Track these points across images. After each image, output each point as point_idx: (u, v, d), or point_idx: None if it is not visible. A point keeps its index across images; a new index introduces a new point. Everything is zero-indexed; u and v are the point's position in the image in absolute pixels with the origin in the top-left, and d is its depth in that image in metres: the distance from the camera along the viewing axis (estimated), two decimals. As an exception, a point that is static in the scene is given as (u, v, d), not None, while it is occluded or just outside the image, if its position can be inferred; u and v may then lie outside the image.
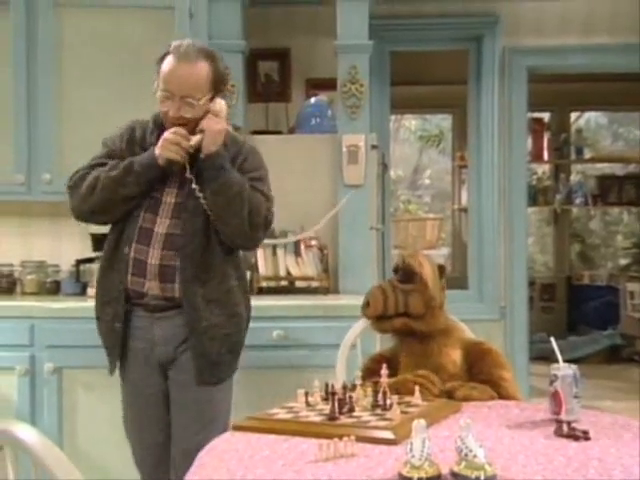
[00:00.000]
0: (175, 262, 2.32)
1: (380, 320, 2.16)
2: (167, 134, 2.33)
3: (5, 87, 3.50)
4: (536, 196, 6.98)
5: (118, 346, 2.37)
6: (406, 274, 2.15)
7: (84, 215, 2.47)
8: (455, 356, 2.10)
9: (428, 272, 2.13)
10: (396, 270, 2.19)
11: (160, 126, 2.41)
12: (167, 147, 2.32)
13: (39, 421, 3.19)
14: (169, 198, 2.37)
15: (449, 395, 1.99)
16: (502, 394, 2.05)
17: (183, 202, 2.36)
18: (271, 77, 4.30)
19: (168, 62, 2.35)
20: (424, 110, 7.81)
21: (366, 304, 2.17)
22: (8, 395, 3.20)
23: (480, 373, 2.07)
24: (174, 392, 2.39)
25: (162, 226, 2.34)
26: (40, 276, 3.70)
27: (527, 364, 4.40)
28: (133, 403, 2.44)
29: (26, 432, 1.18)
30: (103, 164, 2.44)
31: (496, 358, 2.11)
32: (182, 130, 2.33)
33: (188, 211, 2.34)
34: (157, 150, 2.34)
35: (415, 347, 2.12)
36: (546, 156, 6.99)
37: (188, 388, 2.36)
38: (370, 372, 2.01)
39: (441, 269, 2.20)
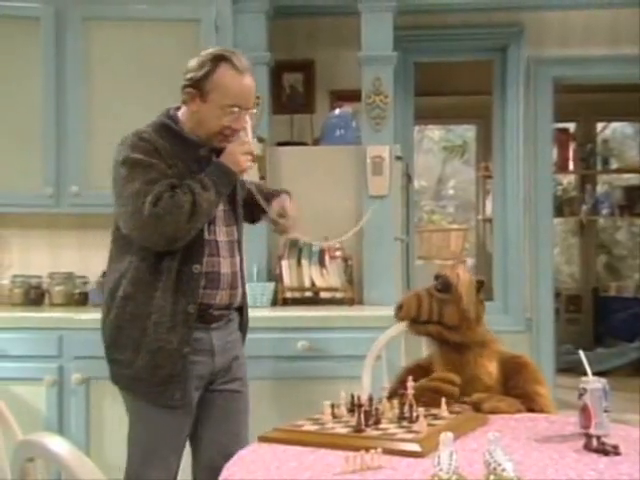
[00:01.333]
0: (236, 268, 2.31)
1: (414, 323, 2.17)
2: (239, 147, 2.22)
3: (35, 100, 3.56)
4: (562, 207, 6.92)
5: (184, 371, 2.17)
6: (444, 284, 2.16)
7: (182, 240, 2.14)
8: (491, 368, 2.09)
9: (464, 285, 2.14)
10: (436, 278, 2.20)
11: (181, 137, 2.24)
12: (244, 161, 2.22)
13: (67, 431, 3.22)
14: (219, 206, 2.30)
15: (476, 407, 1.97)
16: (536, 409, 2.03)
17: (231, 209, 2.33)
18: (296, 89, 4.32)
19: (231, 75, 2.19)
20: (448, 120, 7.79)
21: (399, 307, 2.19)
22: (36, 406, 3.23)
23: (515, 387, 2.06)
24: (222, 401, 2.30)
25: (222, 235, 2.28)
26: (68, 287, 3.74)
27: (553, 376, 4.36)
28: (167, 428, 2.21)
29: (58, 444, 1.19)
30: (166, 184, 2.19)
31: (532, 373, 2.10)
32: (246, 138, 2.26)
33: (236, 217, 2.36)
34: (235, 166, 2.21)
35: (451, 357, 2.12)
36: (572, 166, 6.94)
37: (240, 396, 2.36)
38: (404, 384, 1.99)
39: (479, 283, 2.20)
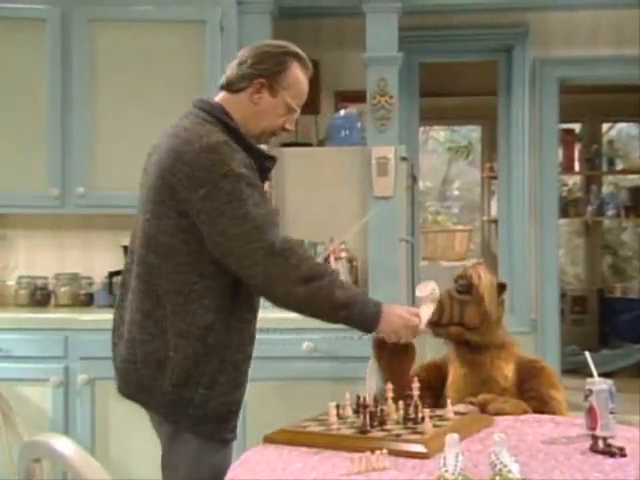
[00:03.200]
0: None
1: (436, 326, 2.16)
2: (410, 323, 2.00)
3: (40, 101, 3.57)
4: (567, 208, 6.90)
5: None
6: (465, 285, 2.15)
7: (277, 295, 1.92)
8: (507, 371, 2.09)
9: (486, 286, 2.13)
10: (457, 280, 2.19)
11: (248, 144, 2.01)
12: (403, 334, 2.00)
13: (72, 432, 3.22)
14: None
15: (481, 408, 1.97)
16: (549, 413, 2.02)
17: None
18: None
19: (302, 75, 2.09)
20: (453, 121, 7.78)
21: None
22: (42, 406, 3.24)
23: (530, 390, 2.06)
24: None
25: None
26: (73, 288, 3.75)
27: (559, 377, 4.35)
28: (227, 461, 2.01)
29: (63, 444, 1.19)
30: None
31: (548, 377, 2.10)
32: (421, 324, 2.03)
33: None
34: (386, 327, 1.98)
35: (468, 357, 2.11)
36: (577, 167, 6.92)
37: None
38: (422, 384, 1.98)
39: (501, 286, 2.19)
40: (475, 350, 2.11)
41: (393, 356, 2.08)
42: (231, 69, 2.09)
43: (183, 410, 1.93)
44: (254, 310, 2.06)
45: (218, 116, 2.00)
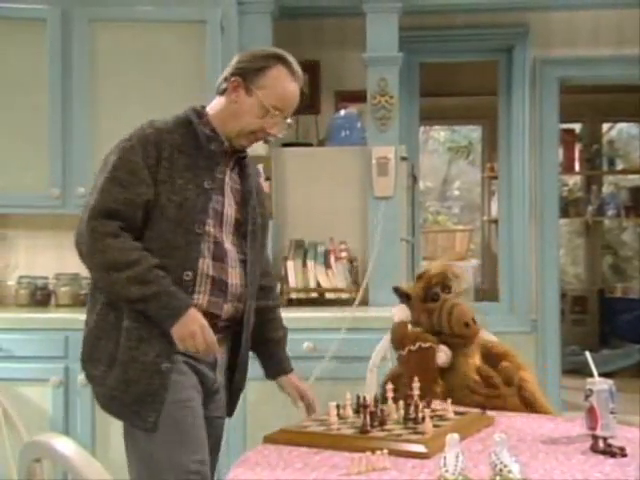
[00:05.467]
0: (245, 282, 2.07)
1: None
2: (200, 331, 1.90)
3: (41, 101, 3.57)
4: (567, 207, 6.90)
5: (162, 389, 1.92)
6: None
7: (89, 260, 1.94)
8: (477, 362, 2.10)
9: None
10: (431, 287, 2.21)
11: (195, 130, 2.04)
12: (189, 342, 1.90)
13: (72, 432, 3.22)
14: (229, 210, 2.08)
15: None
16: (525, 396, 2.03)
17: (243, 226, 2.09)
18: (301, 89, 4.31)
19: (284, 77, 2.06)
20: (453, 121, 7.78)
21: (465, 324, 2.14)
22: (42, 406, 3.24)
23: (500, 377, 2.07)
24: (211, 430, 2.04)
25: (229, 243, 2.05)
26: (74, 288, 3.75)
27: (559, 377, 4.35)
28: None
29: (64, 444, 1.19)
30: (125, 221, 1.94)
31: (512, 360, 2.11)
32: (213, 337, 1.93)
33: (245, 237, 2.10)
34: (179, 327, 1.89)
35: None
36: (577, 167, 6.92)
37: (223, 422, 2.16)
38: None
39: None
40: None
41: (419, 362, 2.09)
42: (222, 75, 2.12)
43: (93, 387, 2.00)
44: None
45: (186, 111, 2.09)
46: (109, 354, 1.93)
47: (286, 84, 2.06)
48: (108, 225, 1.91)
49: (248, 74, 2.04)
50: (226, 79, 2.07)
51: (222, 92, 2.08)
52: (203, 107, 2.11)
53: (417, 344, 2.10)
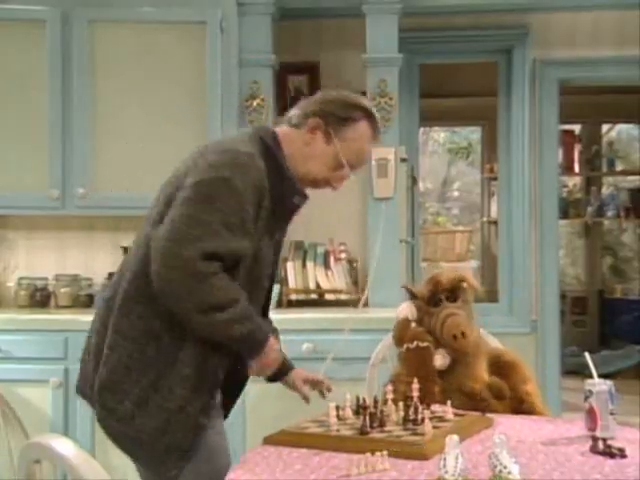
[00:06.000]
0: None
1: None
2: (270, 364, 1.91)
3: (41, 102, 3.57)
4: (567, 209, 6.90)
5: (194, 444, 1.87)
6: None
7: (182, 307, 1.76)
8: (482, 371, 2.09)
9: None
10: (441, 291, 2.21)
11: (283, 175, 1.88)
12: (267, 370, 1.94)
13: (72, 433, 3.22)
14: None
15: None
16: (527, 409, 2.04)
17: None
18: (301, 91, 4.31)
19: (368, 135, 1.95)
20: (453, 122, 7.78)
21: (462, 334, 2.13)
22: (42, 408, 3.24)
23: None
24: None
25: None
26: (74, 289, 3.75)
27: (558, 378, 4.35)
28: None
29: (64, 445, 1.20)
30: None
31: (520, 372, 2.12)
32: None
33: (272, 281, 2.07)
34: (265, 360, 1.89)
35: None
36: (577, 168, 6.92)
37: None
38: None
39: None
40: (456, 360, 2.12)
41: (416, 361, 2.09)
42: (298, 105, 1.98)
43: (106, 419, 1.80)
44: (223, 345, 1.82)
45: (261, 136, 1.88)
46: (141, 392, 1.76)
47: (366, 141, 1.95)
48: (211, 266, 1.73)
49: (332, 120, 1.90)
50: (306, 115, 1.92)
51: (295, 125, 1.93)
52: (276, 135, 1.92)
53: (415, 342, 2.10)
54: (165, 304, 1.75)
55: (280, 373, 2.12)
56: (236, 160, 1.78)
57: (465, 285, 2.17)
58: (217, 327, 1.76)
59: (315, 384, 2.16)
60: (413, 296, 2.20)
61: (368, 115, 1.94)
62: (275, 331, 2.18)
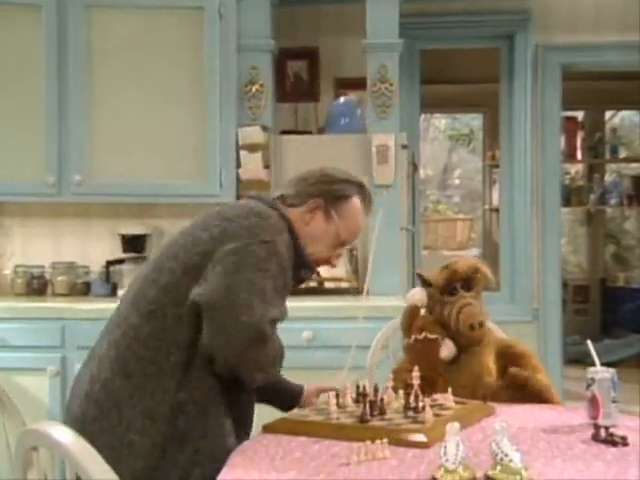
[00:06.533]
0: None
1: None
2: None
3: (37, 88, 3.56)
4: (569, 196, 6.89)
5: None
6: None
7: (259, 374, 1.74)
8: (490, 362, 2.09)
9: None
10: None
11: (298, 250, 1.87)
12: None
13: (69, 421, 3.23)
14: None
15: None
16: (539, 398, 2.03)
17: None
18: (300, 76, 4.30)
19: (361, 211, 1.96)
20: (454, 109, 7.76)
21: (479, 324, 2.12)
22: (39, 396, 3.24)
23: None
24: None
25: None
26: (70, 277, 3.75)
27: (560, 367, 4.36)
28: None
29: (62, 433, 1.20)
30: None
31: (529, 361, 2.10)
32: None
33: None
34: None
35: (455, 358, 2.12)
36: (580, 155, 6.91)
37: None
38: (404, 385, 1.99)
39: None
40: (461, 350, 2.12)
41: (423, 352, 2.09)
42: (289, 185, 1.96)
43: None
44: (245, 391, 1.80)
45: (276, 207, 1.87)
46: (183, 469, 1.66)
47: (360, 217, 1.96)
48: (273, 329, 1.74)
49: (330, 199, 1.90)
50: (305, 194, 1.91)
51: (292, 205, 1.90)
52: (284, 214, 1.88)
53: (423, 334, 2.09)
54: (222, 370, 1.70)
55: (292, 402, 2.15)
56: (271, 222, 1.78)
57: (479, 275, 2.16)
58: (270, 378, 1.78)
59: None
60: (426, 283, 2.18)
61: (360, 189, 1.96)
62: None
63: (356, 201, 1.95)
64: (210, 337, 1.66)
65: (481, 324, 2.08)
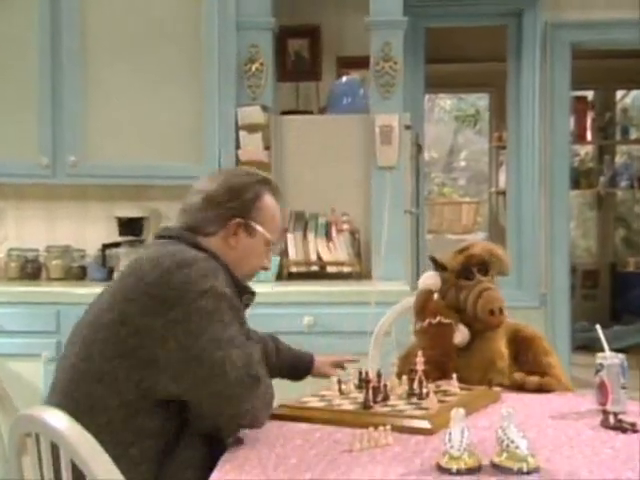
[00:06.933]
0: None
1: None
2: None
3: (30, 66, 3.54)
4: (579, 179, 6.88)
5: None
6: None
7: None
8: (502, 347, 2.09)
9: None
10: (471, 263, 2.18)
11: (234, 279, 1.77)
12: None
13: (65, 409, 3.24)
14: None
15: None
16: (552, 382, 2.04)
17: None
18: (301, 55, 4.28)
19: (275, 206, 1.88)
20: (460, 89, 7.74)
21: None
22: (34, 382, 3.25)
23: (527, 363, 2.07)
24: None
25: None
26: (66, 261, 3.75)
27: (569, 354, 4.37)
28: None
29: (57, 418, 1.20)
30: None
31: (541, 345, 2.11)
32: None
33: None
34: None
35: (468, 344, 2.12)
36: (589, 136, 6.89)
37: None
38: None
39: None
40: (475, 335, 2.11)
41: (437, 337, 2.09)
42: (191, 212, 1.81)
43: None
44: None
45: (191, 241, 1.75)
46: None
47: (277, 212, 1.88)
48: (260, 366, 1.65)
49: (245, 210, 1.80)
50: (211, 220, 1.78)
51: (205, 234, 1.78)
52: (195, 235, 1.78)
53: (438, 318, 2.09)
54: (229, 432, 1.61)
55: (305, 371, 2.19)
56: (200, 267, 1.64)
57: (494, 259, 2.15)
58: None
59: (342, 363, 2.25)
60: (440, 267, 2.17)
61: (264, 183, 1.87)
62: (273, 339, 2.26)
63: (268, 199, 1.85)
64: (210, 410, 1.57)
65: (501, 310, 2.08)
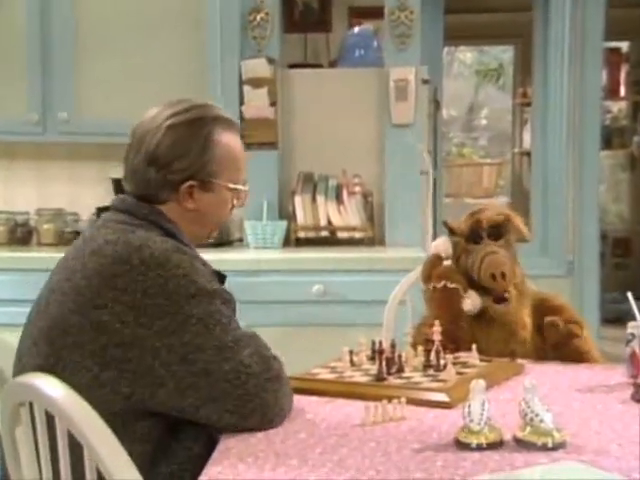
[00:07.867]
0: None
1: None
2: None
3: (18, 18, 3.53)
4: (610, 138, 6.86)
5: None
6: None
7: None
8: (525, 316, 2.09)
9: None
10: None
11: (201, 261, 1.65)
12: None
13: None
14: None
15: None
16: (579, 348, 2.05)
17: None
18: (310, 4, 4.27)
19: (233, 140, 1.72)
20: (482, 41, 7.71)
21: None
22: (25, 353, 3.28)
23: (553, 335, 2.07)
24: None
25: None
26: (58, 225, 3.76)
27: (598, 326, 4.38)
28: None
29: (51, 386, 1.21)
30: None
31: (568, 313, 2.11)
32: None
33: None
34: None
35: (489, 314, 2.12)
36: (623, 92, 6.86)
37: None
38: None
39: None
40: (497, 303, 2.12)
41: (443, 303, 2.10)
42: (136, 177, 1.68)
43: None
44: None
45: (150, 218, 1.64)
46: None
47: (236, 145, 1.73)
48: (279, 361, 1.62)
49: (197, 167, 1.66)
50: (161, 187, 1.65)
51: (160, 202, 1.66)
52: (150, 206, 1.66)
53: (442, 282, 2.10)
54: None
55: None
56: (175, 263, 1.52)
57: (508, 223, 2.15)
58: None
59: None
60: (451, 232, 2.18)
61: (214, 121, 1.69)
62: None
63: (222, 141, 1.69)
64: (230, 424, 1.50)
65: (504, 275, 2.08)
